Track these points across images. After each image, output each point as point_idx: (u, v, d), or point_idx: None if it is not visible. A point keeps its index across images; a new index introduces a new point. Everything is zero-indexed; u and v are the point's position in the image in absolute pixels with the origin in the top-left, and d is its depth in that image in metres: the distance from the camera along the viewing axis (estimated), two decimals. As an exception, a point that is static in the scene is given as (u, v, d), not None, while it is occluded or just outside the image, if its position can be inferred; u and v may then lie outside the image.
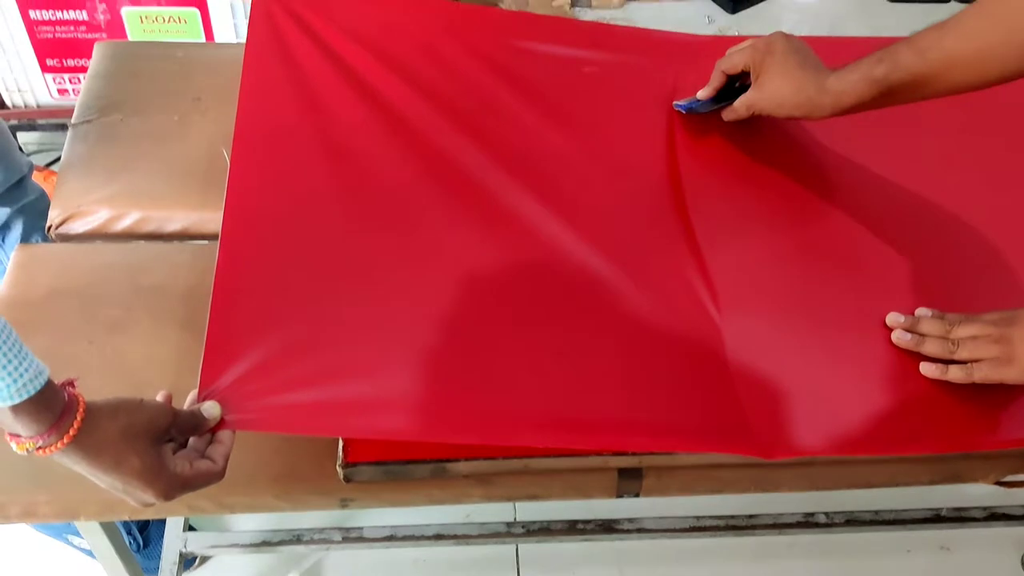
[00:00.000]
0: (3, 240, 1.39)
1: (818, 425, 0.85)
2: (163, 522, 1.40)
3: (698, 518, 1.34)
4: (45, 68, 1.88)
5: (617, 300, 0.91)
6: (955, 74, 0.87)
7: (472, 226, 0.96)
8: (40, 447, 0.69)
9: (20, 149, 1.49)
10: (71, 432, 0.70)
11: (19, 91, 1.92)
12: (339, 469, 0.89)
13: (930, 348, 0.90)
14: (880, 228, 1.02)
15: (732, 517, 1.34)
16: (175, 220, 1.16)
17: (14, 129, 1.97)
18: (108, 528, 1.09)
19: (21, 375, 0.67)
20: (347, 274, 0.90)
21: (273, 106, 1.04)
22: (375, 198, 0.97)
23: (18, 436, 0.69)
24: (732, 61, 1.03)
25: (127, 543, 1.41)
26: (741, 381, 0.87)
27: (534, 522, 1.34)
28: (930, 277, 0.98)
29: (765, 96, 1.00)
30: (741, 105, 1.03)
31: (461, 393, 0.83)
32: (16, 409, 0.67)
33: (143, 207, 1.16)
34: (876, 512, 1.33)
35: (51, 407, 0.69)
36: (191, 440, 0.78)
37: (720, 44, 1.16)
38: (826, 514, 1.32)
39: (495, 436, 0.82)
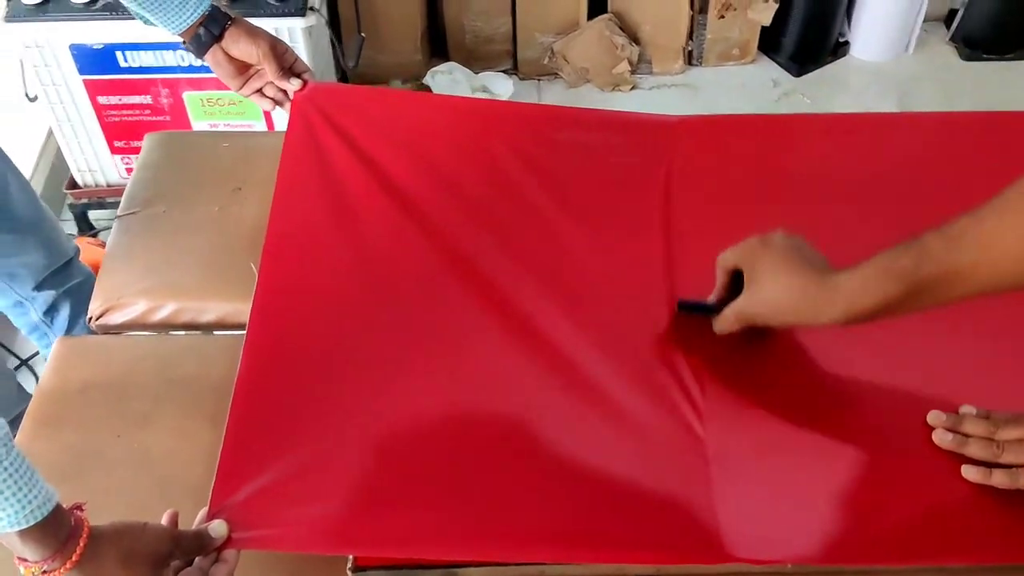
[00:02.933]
0: (52, 322, 1.44)
1: (812, 533, 0.83)
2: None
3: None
4: (114, 150, 1.96)
5: (610, 414, 0.90)
6: (997, 264, 0.73)
7: (488, 341, 0.96)
8: (45, 571, 0.72)
9: (84, 228, 1.55)
10: (74, 558, 0.73)
11: (90, 171, 2.01)
12: (349, 573, 0.89)
13: (974, 450, 0.84)
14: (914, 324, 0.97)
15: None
16: (209, 311, 1.18)
17: (84, 207, 2.05)
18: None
19: (30, 501, 0.70)
20: (362, 389, 0.92)
21: (306, 207, 1.07)
22: (397, 307, 0.99)
23: (25, 560, 0.72)
24: (725, 258, 0.89)
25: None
26: (721, 494, 0.84)
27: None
28: (967, 372, 0.93)
29: (757, 301, 0.85)
30: (730, 313, 0.88)
31: (465, 510, 0.84)
32: (23, 534, 0.71)
33: (179, 298, 1.18)
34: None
35: (57, 532, 0.73)
36: (197, 559, 0.79)
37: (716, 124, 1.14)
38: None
39: (498, 554, 0.83)
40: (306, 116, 1.14)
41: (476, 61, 2.49)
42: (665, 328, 0.97)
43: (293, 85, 1.13)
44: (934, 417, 0.87)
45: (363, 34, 2.25)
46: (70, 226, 2.15)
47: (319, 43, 1.87)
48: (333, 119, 1.14)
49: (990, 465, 0.83)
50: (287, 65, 1.13)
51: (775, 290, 0.84)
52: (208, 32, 1.08)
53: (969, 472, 0.83)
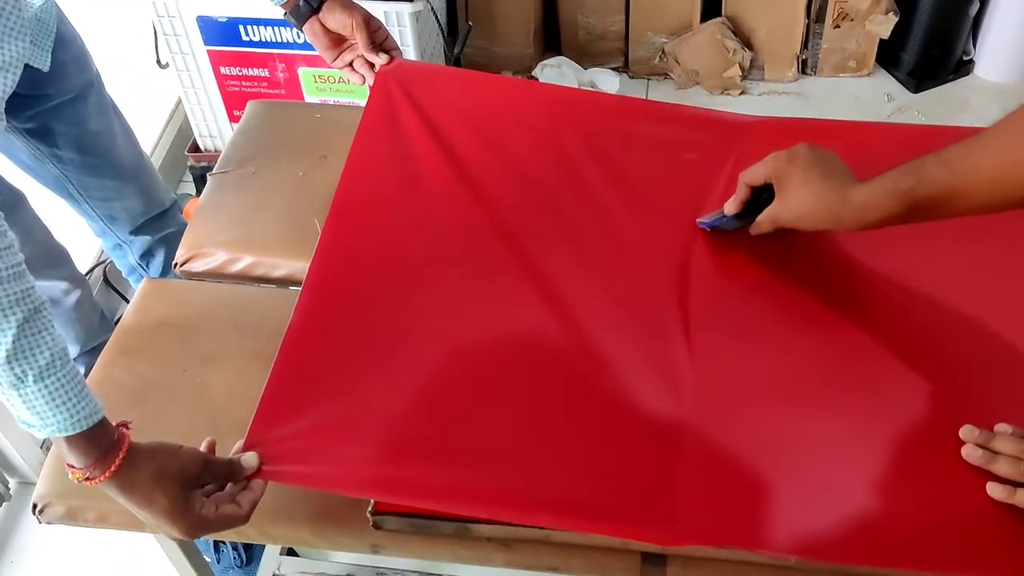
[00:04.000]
0: (147, 266, 1.57)
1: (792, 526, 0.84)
2: (264, 543, 1.51)
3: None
4: (231, 118, 2.08)
5: (596, 385, 0.94)
6: (982, 190, 0.81)
7: (523, 316, 1.00)
8: (87, 478, 0.81)
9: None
10: (112, 468, 0.81)
11: (210, 136, 2.15)
12: (369, 516, 0.95)
13: (1001, 468, 0.85)
14: (914, 336, 0.98)
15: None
16: (281, 267, 1.26)
17: (204, 170, 2.20)
18: (185, 544, 1.19)
19: (79, 412, 0.79)
20: (402, 349, 0.98)
21: (374, 175, 1.13)
22: (446, 276, 1.04)
23: (72, 466, 0.81)
24: (754, 173, 0.98)
25: (229, 558, 1.52)
26: (688, 471, 0.87)
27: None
28: (998, 381, 0.94)
29: (787, 208, 0.94)
30: (764, 219, 0.98)
31: (479, 471, 0.89)
32: (70, 441, 0.80)
33: (255, 252, 1.27)
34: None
35: (100, 443, 0.81)
36: (228, 485, 0.87)
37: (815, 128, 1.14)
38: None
39: (506, 515, 0.88)
40: (387, 90, 1.21)
41: (587, 57, 2.53)
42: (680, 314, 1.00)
43: (380, 59, 1.20)
44: (967, 432, 0.88)
45: (471, 23, 2.32)
46: (189, 187, 2.30)
47: (426, 28, 1.95)
48: (412, 94, 1.20)
49: (1016, 484, 0.83)
50: (378, 40, 1.20)
51: (803, 198, 0.92)
52: (307, 3, 1.16)
53: (994, 490, 0.84)
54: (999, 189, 0.80)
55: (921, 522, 0.85)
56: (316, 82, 1.99)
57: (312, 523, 0.99)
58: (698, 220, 1.06)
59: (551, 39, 2.58)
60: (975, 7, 2.37)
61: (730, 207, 1.00)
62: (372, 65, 1.21)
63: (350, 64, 1.23)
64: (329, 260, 1.05)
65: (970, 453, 0.86)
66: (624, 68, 2.56)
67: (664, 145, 1.18)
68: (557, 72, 2.44)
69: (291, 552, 1.52)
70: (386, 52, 1.21)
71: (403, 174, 1.13)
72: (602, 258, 1.05)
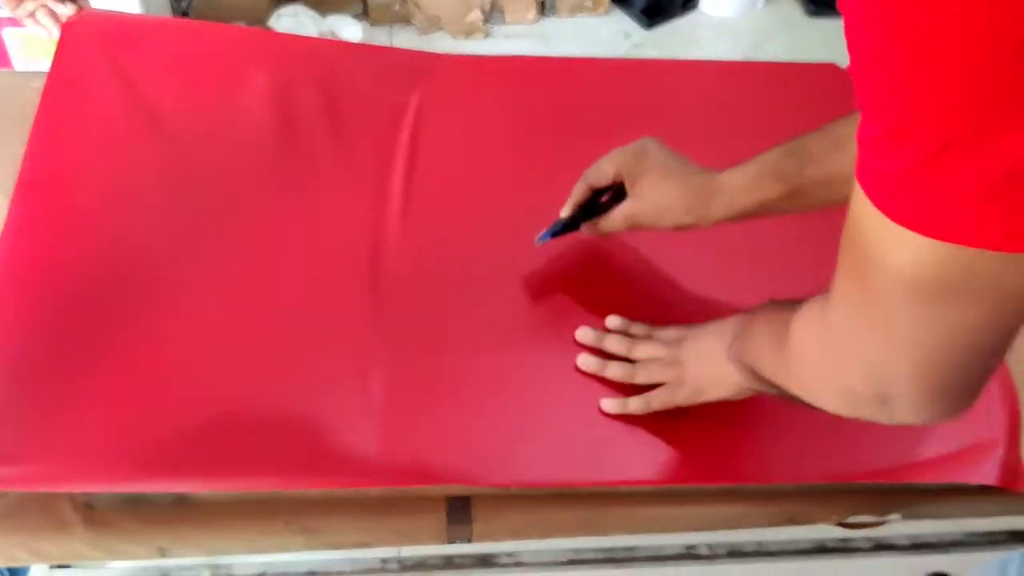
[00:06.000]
0: None
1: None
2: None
3: (576, 551, 1.29)
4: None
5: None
6: None
7: (228, 282, 0.93)
8: None
9: None
10: None
11: None
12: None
13: (613, 371, 0.84)
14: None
15: (611, 550, 1.29)
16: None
17: None
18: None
19: None
20: (109, 331, 0.88)
21: (64, 145, 1.00)
22: (144, 245, 0.95)
23: None
24: (600, 171, 0.88)
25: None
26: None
27: (410, 558, 1.29)
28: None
29: (647, 204, 0.86)
30: (619, 216, 0.88)
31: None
32: None
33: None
34: (760, 543, 1.28)
35: None
36: None
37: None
38: (708, 546, 1.27)
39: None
40: (75, 44, 1.06)
41: (326, 4, 2.41)
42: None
43: (67, 9, 1.06)
44: (582, 334, 0.87)
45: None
46: None
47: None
48: (106, 49, 1.07)
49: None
50: None
51: (666, 192, 0.84)
52: None
53: (607, 404, 0.83)
54: None
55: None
56: (27, 46, 1.75)
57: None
58: (536, 241, 0.95)
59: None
60: (698, -55, 2.47)
61: (566, 211, 0.92)
62: (57, 16, 1.07)
63: (32, 14, 1.08)
64: (17, 245, 0.92)
65: (584, 363, 0.85)
66: (364, 15, 2.47)
67: (353, 85, 1.11)
68: (295, 21, 2.30)
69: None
70: (73, 0, 1.07)
71: (96, 140, 1.01)
72: (305, 222, 0.98)
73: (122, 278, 0.91)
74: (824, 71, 1.20)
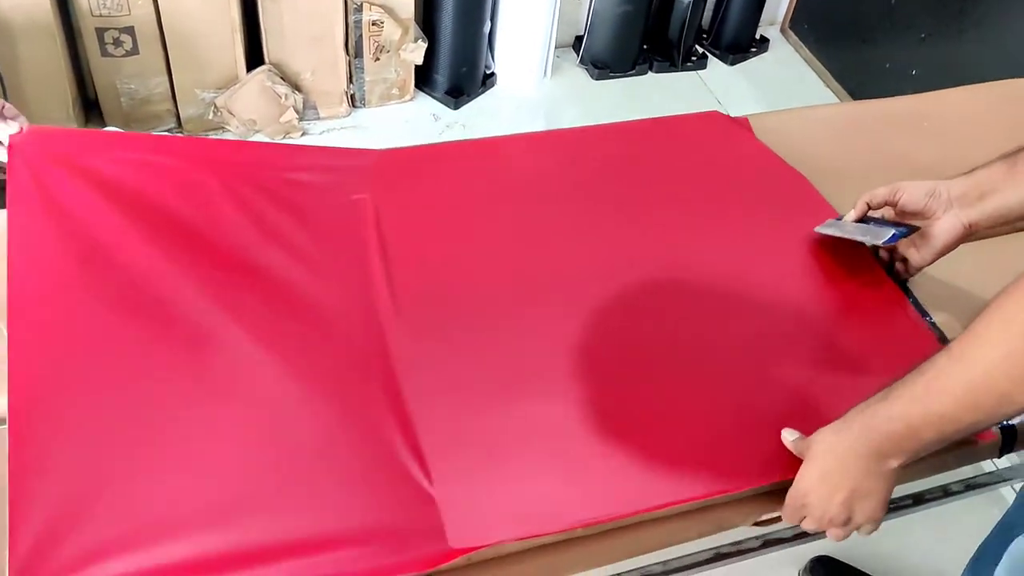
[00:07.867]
0: None
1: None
2: None
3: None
4: None
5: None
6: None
7: (232, 373, 0.99)
8: None
9: None
10: None
11: None
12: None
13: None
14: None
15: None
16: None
17: None
18: None
19: None
20: (130, 434, 0.93)
21: (45, 262, 1.03)
22: (146, 354, 0.99)
23: None
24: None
25: None
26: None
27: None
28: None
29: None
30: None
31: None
32: None
33: None
34: (665, 563, 1.40)
35: None
36: None
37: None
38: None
39: None
40: (27, 161, 1.10)
41: (137, 123, 2.41)
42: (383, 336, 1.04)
43: (10, 128, 1.08)
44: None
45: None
46: None
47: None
48: (60, 164, 1.11)
49: None
50: None
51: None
52: None
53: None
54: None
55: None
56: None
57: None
58: (882, 243, 1.13)
59: (94, 109, 2.42)
60: (487, 26, 2.65)
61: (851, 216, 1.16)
62: None
63: None
64: (28, 359, 0.95)
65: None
66: (179, 128, 2.48)
67: (309, 189, 1.21)
68: (111, 143, 2.29)
69: None
70: (11, 119, 1.10)
71: (79, 251, 1.05)
72: (297, 323, 1.05)
73: (135, 385, 0.96)
74: (711, 118, 1.43)
